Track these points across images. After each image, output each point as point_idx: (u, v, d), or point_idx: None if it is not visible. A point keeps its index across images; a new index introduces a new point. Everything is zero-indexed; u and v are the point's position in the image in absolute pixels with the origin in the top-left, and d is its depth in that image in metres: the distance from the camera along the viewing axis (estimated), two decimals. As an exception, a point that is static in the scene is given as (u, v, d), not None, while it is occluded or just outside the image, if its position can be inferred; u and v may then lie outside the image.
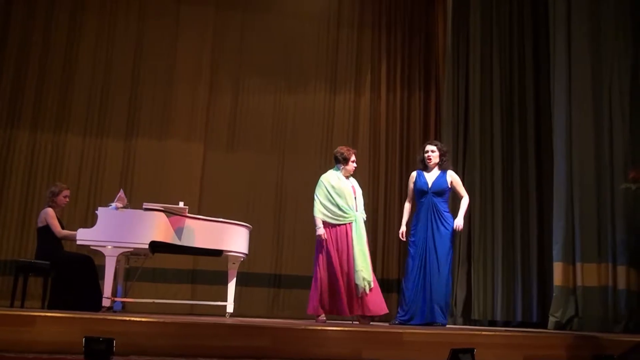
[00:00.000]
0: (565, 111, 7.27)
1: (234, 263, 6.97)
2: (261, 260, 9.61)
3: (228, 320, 5.94)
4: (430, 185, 6.42)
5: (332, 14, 10.73)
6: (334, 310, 6.33)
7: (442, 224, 6.31)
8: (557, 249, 7.12)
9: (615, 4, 7.26)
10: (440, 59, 10.47)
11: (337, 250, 6.32)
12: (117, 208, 6.22)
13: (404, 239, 6.58)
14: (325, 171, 6.70)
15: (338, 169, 6.57)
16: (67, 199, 6.91)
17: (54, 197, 6.71)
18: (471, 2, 9.00)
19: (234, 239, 6.82)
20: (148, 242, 6.13)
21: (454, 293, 8.33)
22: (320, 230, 6.36)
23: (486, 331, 5.58)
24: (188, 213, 6.50)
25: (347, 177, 6.59)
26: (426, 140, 9.82)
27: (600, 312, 6.78)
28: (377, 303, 6.35)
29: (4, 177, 9.25)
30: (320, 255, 6.36)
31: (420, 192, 6.48)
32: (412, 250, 6.45)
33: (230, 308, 6.90)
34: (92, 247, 6.13)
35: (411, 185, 6.66)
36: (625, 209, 6.87)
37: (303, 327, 4.68)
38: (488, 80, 8.69)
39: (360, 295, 6.27)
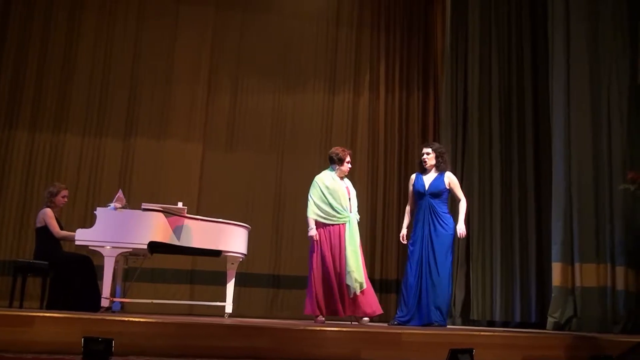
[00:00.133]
0: (563, 111, 7.28)
1: (232, 263, 6.97)
2: (260, 260, 9.60)
3: (227, 320, 5.94)
4: (427, 187, 6.43)
5: (331, 14, 10.73)
6: (329, 311, 6.32)
7: (440, 225, 6.30)
8: (555, 250, 7.12)
9: (614, 4, 7.26)
10: (439, 59, 10.48)
11: (330, 250, 6.32)
12: (115, 208, 6.22)
13: (405, 242, 6.58)
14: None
15: (333, 170, 6.57)
16: (66, 199, 6.90)
17: (52, 198, 6.70)
18: (470, 2, 9.00)
19: (233, 239, 6.82)
20: (147, 243, 6.13)
21: (453, 293, 8.33)
22: (312, 232, 6.37)
23: (485, 331, 5.58)
24: (187, 213, 6.50)
25: (342, 178, 6.58)
26: (425, 141, 9.89)
27: (599, 312, 6.78)
28: (370, 304, 6.34)
29: (2, 177, 9.24)
30: (314, 256, 6.37)
31: (418, 194, 6.49)
32: (410, 252, 6.47)
33: (229, 308, 6.90)
34: (90, 248, 6.12)
35: (410, 187, 6.67)
36: (623, 210, 6.87)
37: (302, 327, 4.68)
38: (487, 80, 8.70)
39: (352, 296, 6.27)
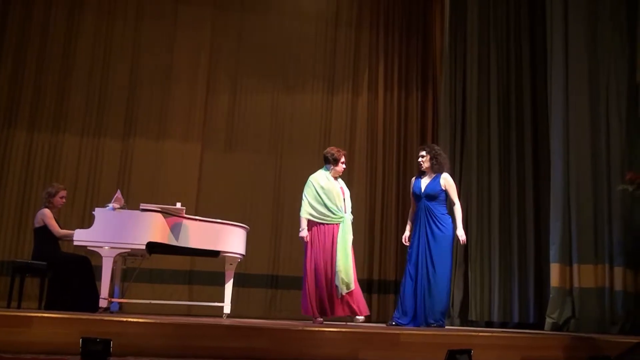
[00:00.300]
0: (562, 112, 7.29)
1: (231, 264, 6.97)
2: (258, 261, 9.59)
3: (225, 321, 5.93)
4: (423, 189, 6.43)
5: (329, 14, 10.73)
6: (321, 312, 6.30)
7: (437, 227, 6.30)
8: (554, 250, 7.13)
9: (612, 4, 7.27)
10: (438, 59, 10.48)
11: (323, 250, 6.31)
12: (114, 209, 6.22)
13: (407, 244, 6.58)
14: (322, 171, 6.70)
15: (327, 169, 6.56)
16: (64, 200, 6.89)
17: (50, 198, 6.69)
18: (468, 2, 9.01)
19: (231, 239, 6.82)
20: (145, 243, 6.13)
21: (451, 294, 8.33)
22: (304, 232, 6.36)
23: (483, 332, 5.58)
24: (185, 214, 6.50)
25: (336, 178, 6.57)
26: (423, 141, 9.90)
27: (597, 313, 6.79)
28: (358, 304, 6.33)
29: (0, 178, 9.22)
30: (308, 256, 6.36)
31: (416, 196, 6.51)
32: (409, 254, 6.47)
33: (227, 309, 6.91)
34: (89, 248, 6.12)
35: (411, 190, 6.68)
36: (622, 210, 6.88)
37: (300, 328, 4.68)
38: (485, 80, 8.70)
39: (340, 297, 6.26)
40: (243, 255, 7.06)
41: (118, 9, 9.95)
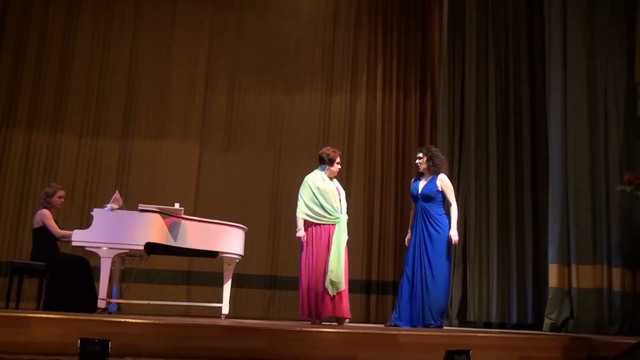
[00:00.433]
0: (560, 112, 7.30)
1: (229, 264, 6.97)
2: (257, 261, 9.59)
3: (223, 321, 5.93)
4: (420, 190, 6.44)
5: (328, 15, 10.72)
6: (316, 312, 6.24)
7: (434, 228, 6.30)
8: (552, 251, 7.14)
9: (610, 4, 7.28)
10: (436, 59, 10.48)
11: (319, 251, 6.29)
12: (112, 209, 6.21)
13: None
14: (320, 172, 6.69)
15: (323, 170, 6.54)
16: (62, 200, 6.88)
17: (48, 198, 6.68)
18: (467, 3, 9.02)
19: (230, 240, 6.82)
20: (143, 244, 6.13)
21: (450, 295, 8.33)
22: (300, 232, 6.33)
23: (482, 333, 5.58)
24: (183, 214, 6.50)
25: (331, 179, 6.57)
26: (422, 142, 9.91)
27: (595, 314, 6.80)
28: (343, 306, 6.30)
29: (-1, 178, 9.22)
30: (303, 257, 6.34)
31: (414, 198, 6.53)
32: (407, 255, 6.47)
33: (225, 309, 6.90)
34: (87, 249, 6.12)
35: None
36: (620, 211, 6.89)
37: (298, 328, 4.68)
38: (484, 81, 8.71)
39: (332, 297, 6.23)
40: (241, 255, 7.06)
41: (116, 8, 9.94)
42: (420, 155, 6.54)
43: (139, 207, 6.25)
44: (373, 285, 9.93)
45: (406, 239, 6.59)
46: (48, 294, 6.39)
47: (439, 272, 6.22)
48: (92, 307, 6.04)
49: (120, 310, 7.27)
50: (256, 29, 10.38)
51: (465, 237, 8.47)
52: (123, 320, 4.32)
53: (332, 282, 6.20)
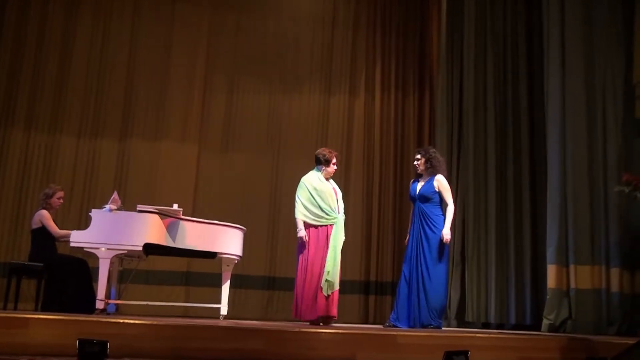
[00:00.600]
0: (559, 113, 7.31)
1: (228, 265, 6.97)
2: (255, 262, 9.58)
3: (222, 322, 5.94)
4: (417, 191, 6.45)
5: (326, 15, 10.71)
6: (312, 313, 6.20)
7: (430, 229, 6.31)
8: (550, 251, 7.14)
9: (608, 6, 7.29)
10: (435, 60, 10.48)
11: (317, 252, 6.29)
12: (111, 210, 6.21)
13: None
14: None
15: (319, 170, 6.54)
16: (61, 201, 6.88)
17: (48, 199, 6.67)
18: (465, 4, 9.02)
19: (228, 241, 6.82)
20: (142, 244, 6.12)
21: (448, 295, 8.34)
22: (302, 232, 6.31)
23: (480, 333, 5.58)
24: (182, 215, 6.49)
25: (327, 179, 6.57)
26: (420, 142, 9.90)
27: (594, 314, 6.80)
28: (333, 306, 6.28)
29: (-3, 179, 9.21)
30: (301, 259, 6.32)
31: (411, 199, 6.56)
32: (405, 255, 6.48)
33: (224, 310, 6.90)
34: (86, 249, 6.11)
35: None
36: (618, 212, 6.90)
37: (297, 329, 4.68)
38: (482, 81, 8.72)
39: (327, 296, 6.22)
40: (240, 256, 7.06)
41: (115, 9, 9.93)
42: (419, 156, 6.55)
43: (138, 208, 6.25)
44: (371, 286, 9.92)
45: (405, 240, 6.59)
46: (46, 294, 6.37)
47: (436, 273, 6.23)
48: (90, 308, 6.03)
49: (119, 311, 7.26)
50: (255, 29, 10.37)
51: (463, 237, 8.48)
52: (121, 321, 4.32)
53: (327, 282, 6.20)
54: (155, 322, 4.44)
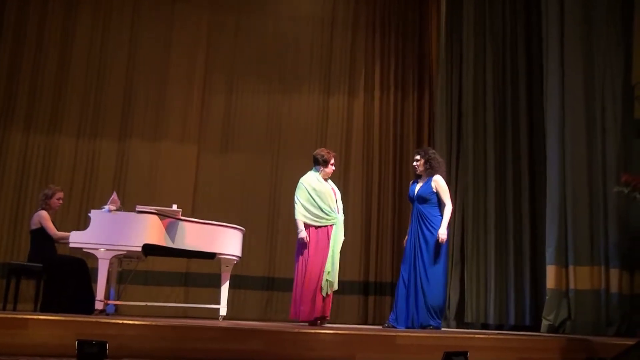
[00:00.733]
0: (558, 113, 7.30)
1: (227, 266, 6.97)
2: (255, 263, 9.58)
3: (221, 323, 5.94)
4: (416, 192, 6.45)
5: (326, 16, 10.71)
6: (311, 313, 6.20)
7: (428, 229, 6.31)
8: (550, 252, 7.14)
9: (607, 6, 7.28)
10: (434, 61, 10.48)
11: (318, 253, 6.28)
12: (110, 210, 6.21)
13: None
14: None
15: (317, 171, 6.54)
16: (61, 202, 6.88)
17: (47, 200, 6.67)
18: (464, 5, 9.01)
19: (228, 241, 6.81)
20: (141, 245, 6.12)
21: (447, 296, 8.33)
22: (303, 233, 6.31)
23: (479, 334, 5.58)
24: (181, 215, 6.49)
25: (326, 180, 6.57)
26: (419, 143, 9.90)
27: (593, 315, 6.80)
28: (328, 306, 6.30)
29: (-4, 179, 9.21)
30: (301, 260, 6.32)
31: (410, 200, 6.57)
32: (403, 256, 6.48)
33: (223, 311, 6.90)
34: (85, 250, 6.11)
35: None
36: (618, 212, 6.89)
37: (296, 330, 4.68)
38: (481, 81, 8.71)
39: (325, 296, 6.22)
40: (239, 257, 7.05)
41: (114, 9, 9.93)
42: (418, 157, 6.56)
43: (137, 209, 6.25)
44: (371, 287, 9.92)
45: (404, 241, 6.60)
46: (45, 295, 6.38)
47: (434, 273, 6.24)
48: (89, 309, 6.03)
49: (118, 311, 7.25)
50: (254, 29, 10.37)
51: (462, 238, 8.48)
52: (121, 321, 4.32)
53: (328, 282, 6.20)
54: (154, 323, 4.44)
